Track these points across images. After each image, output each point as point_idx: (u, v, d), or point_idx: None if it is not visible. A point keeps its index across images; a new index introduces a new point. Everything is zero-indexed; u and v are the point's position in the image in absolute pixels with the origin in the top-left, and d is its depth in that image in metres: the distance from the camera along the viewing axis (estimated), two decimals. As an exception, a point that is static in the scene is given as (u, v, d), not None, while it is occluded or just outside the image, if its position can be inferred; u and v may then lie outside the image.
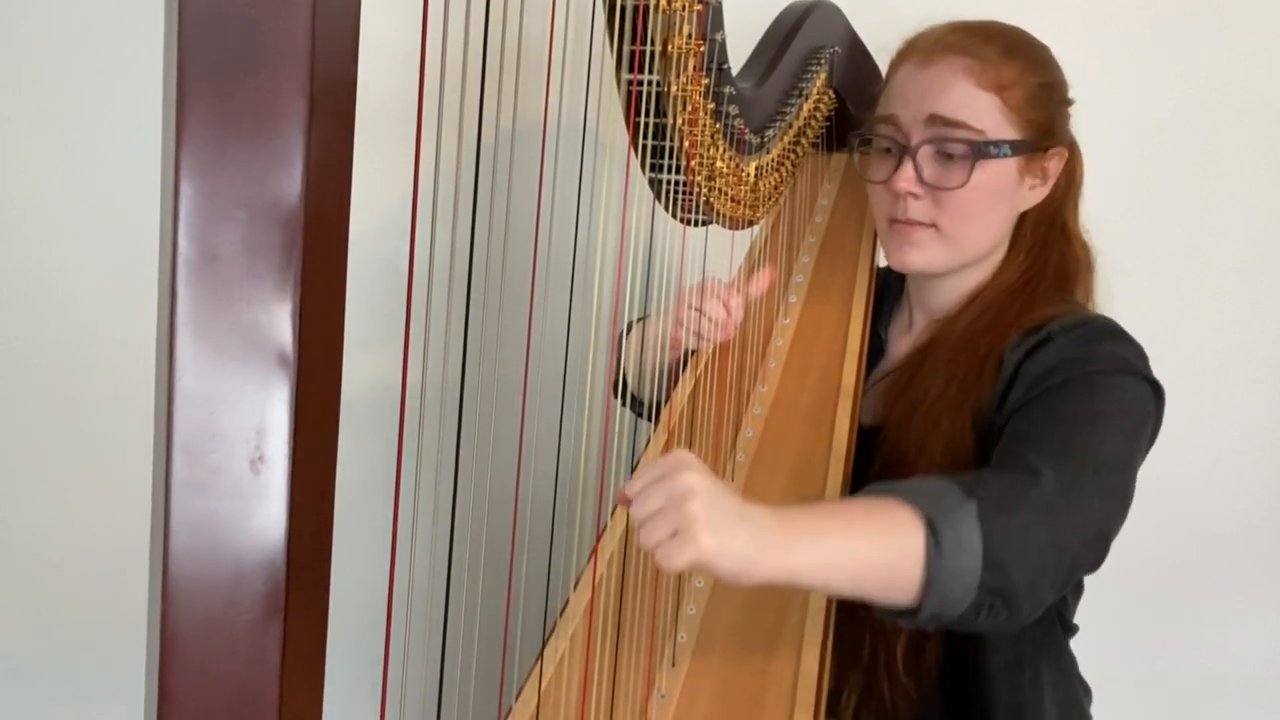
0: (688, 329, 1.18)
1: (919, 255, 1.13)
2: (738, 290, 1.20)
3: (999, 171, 1.09)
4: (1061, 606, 1.14)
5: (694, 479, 0.78)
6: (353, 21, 0.49)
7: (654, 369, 1.22)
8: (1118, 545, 1.07)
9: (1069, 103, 1.14)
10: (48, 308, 1.64)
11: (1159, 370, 1.06)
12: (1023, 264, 1.14)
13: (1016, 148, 1.08)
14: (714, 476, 0.80)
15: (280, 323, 0.48)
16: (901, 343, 1.24)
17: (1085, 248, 1.17)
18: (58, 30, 1.57)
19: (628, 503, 0.80)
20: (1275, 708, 1.78)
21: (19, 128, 1.60)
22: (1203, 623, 1.78)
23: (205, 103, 0.46)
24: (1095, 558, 0.94)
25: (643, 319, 1.23)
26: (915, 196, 1.10)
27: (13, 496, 1.68)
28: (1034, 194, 1.13)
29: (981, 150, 1.07)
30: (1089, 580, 1.14)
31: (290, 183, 0.47)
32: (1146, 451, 1.03)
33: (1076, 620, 1.17)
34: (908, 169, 1.09)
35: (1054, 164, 1.12)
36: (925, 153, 1.09)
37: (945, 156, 1.09)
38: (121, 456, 1.46)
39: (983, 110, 1.07)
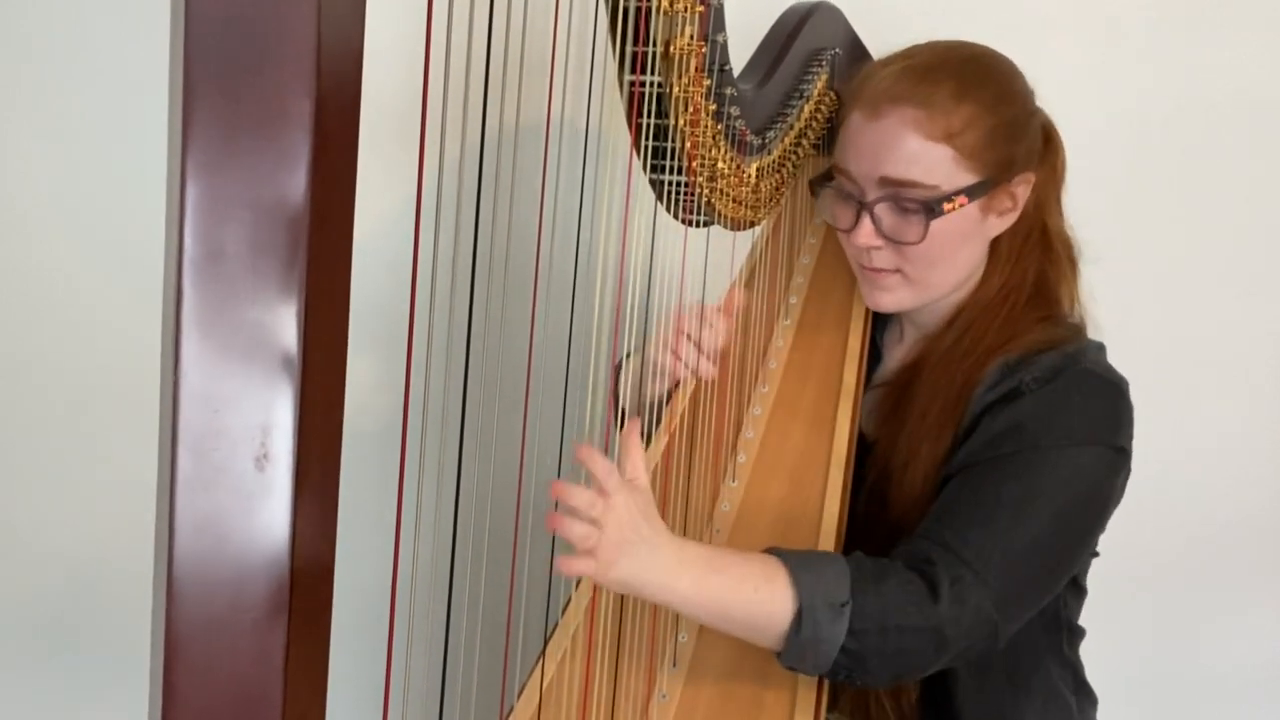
0: (685, 363, 1.17)
1: (889, 298, 1.14)
2: (710, 324, 1.17)
3: (958, 219, 1.07)
4: (1063, 610, 1.13)
5: (615, 509, 0.85)
6: (358, 22, 0.49)
7: (651, 399, 1.21)
8: (1118, 544, 1.08)
9: (1034, 115, 1.12)
10: (51, 306, 1.64)
11: (1159, 371, 1.06)
12: (1000, 279, 1.13)
13: (974, 192, 1.06)
14: (636, 498, 0.87)
15: (285, 322, 0.48)
16: (894, 353, 1.24)
17: (1067, 245, 1.15)
18: (60, 30, 1.58)
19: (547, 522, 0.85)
20: (1275, 708, 1.78)
21: (21, 127, 1.60)
22: (1203, 622, 1.78)
23: (211, 103, 0.46)
24: (982, 649, 0.96)
25: (633, 353, 1.22)
26: (876, 248, 1.10)
27: (15, 494, 1.68)
28: (1004, 220, 1.11)
29: (934, 208, 1.05)
30: (1089, 579, 1.15)
31: (295, 182, 0.47)
32: (1099, 520, 1.04)
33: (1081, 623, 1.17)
34: (865, 224, 1.09)
35: (1022, 189, 1.10)
36: (881, 209, 1.08)
37: (901, 210, 1.07)
38: (125, 454, 1.46)
39: (934, 164, 1.05)
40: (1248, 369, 1.71)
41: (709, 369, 1.16)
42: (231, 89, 0.46)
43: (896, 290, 1.13)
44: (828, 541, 1.06)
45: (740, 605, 0.91)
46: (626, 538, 0.86)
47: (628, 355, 1.23)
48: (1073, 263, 1.15)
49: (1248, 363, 1.71)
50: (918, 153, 1.05)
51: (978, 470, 1.02)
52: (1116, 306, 1.15)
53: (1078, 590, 1.14)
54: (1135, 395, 1.06)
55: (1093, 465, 1.01)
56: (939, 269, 1.10)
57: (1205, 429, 1.69)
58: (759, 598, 0.91)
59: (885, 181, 1.07)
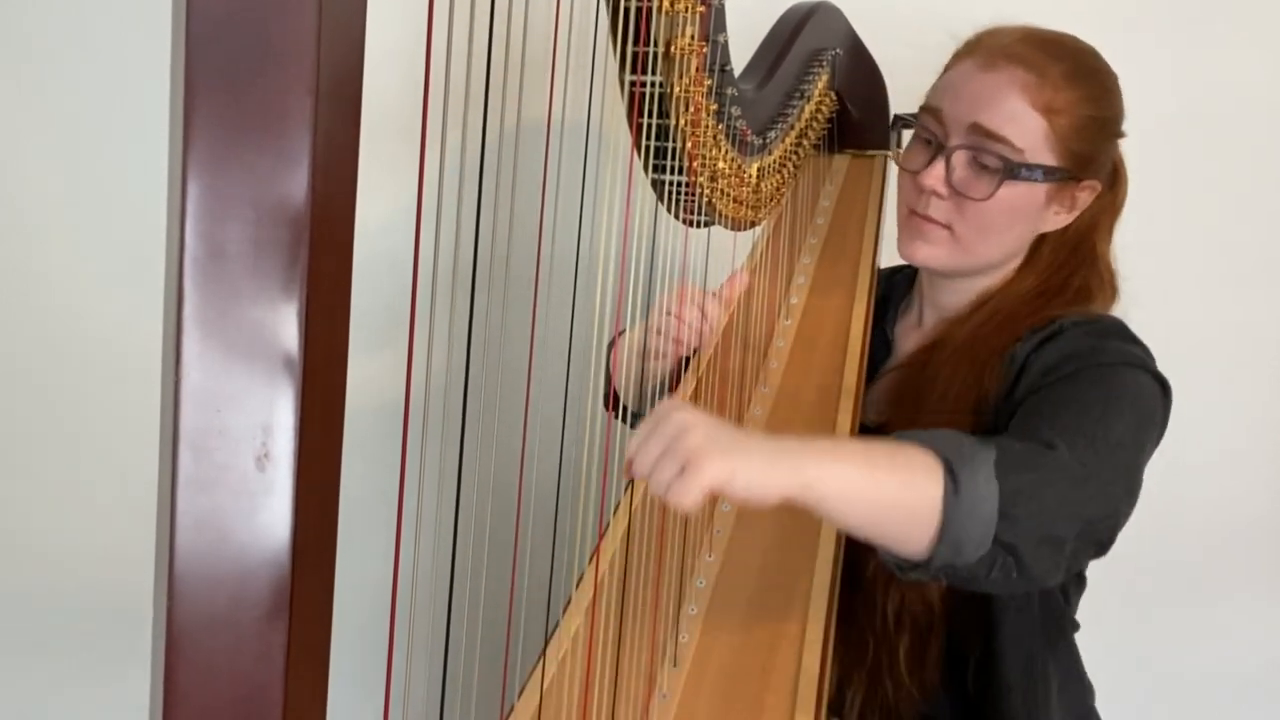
0: (665, 334, 1.16)
1: (927, 250, 1.13)
2: (716, 296, 1.19)
3: (1025, 193, 1.08)
4: (1064, 603, 1.14)
5: (686, 416, 0.78)
6: (359, 21, 0.49)
7: (653, 380, 1.21)
8: (1119, 544, 1.08)
9: (1120, 135, 1.13)
10: (53, 305, 1.65)
11: (1164, 372, 1.07)
12: (1038, 279, 1.13)
13: (1050, 174, 1.07)
14: (709, 415, 0.81)
15: (286, 320, 0.48)
16: (910, 339, 1.24)
17: (1111, 273, 1.16)
18: (61, 29, 1.58)
19: (632, 472, 0.80)
20: (1275, 708, 1.78)
21: (22, 127, 1.60)
22: (1203, 622, 1.78)
23: (213, 102, 0.47)
24: (1105, 536, 0.93)
25: (625, 330, 1.22)
26: (939, 195, 1.10)
27: (16, 493, 1.68)
28: (1057, 219, 1.12)
29: (1014, 170, 1.06)
30: (1090, 578, 1.15)
31: (297, 181, 0.47)
32: (1153, 449, 1.03)
33: (1077, 618, 1.18)
34: (938, 167, 1.09)
35: (1085, 195, 1.11)
36: (960, 157, 1.08)
37: (978, 165, 1.08)
38: (126, 453, 1.46)
39: (1027, 130, 1.06)
40: (1248, 369, 1.71)
41: (690, 336, 1.15)
42: (233, 88, 0.46)
43: (938, 245, 1.12)
44: (829, 541, 1.06)
45: (885, 470, 0.83)
46: (733, 436, 0.78)
47: (621, 333, 1.22)
48: (1114, 290, 1.16)
49: (1248, 363, 1.71)
50: (1017, 113, 1.06)
51: (1047, 389, 1.00)
52: (1121, 306, 1.15)
53: (1079, 581, 1.14)
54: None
55: (1149, 389, 1.02)
56: (987, 238, 1.10)
57: (1206, 429, 1.69)
58: (901, 458, 0.84)
59: (975, 129, 1.07)
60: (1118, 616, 1.61)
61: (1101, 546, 0.94)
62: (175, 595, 0.49)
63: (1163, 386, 1.04)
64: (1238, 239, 1.68)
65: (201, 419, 0.48)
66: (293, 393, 0.48)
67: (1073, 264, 1.14)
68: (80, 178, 1.62)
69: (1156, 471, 1.03)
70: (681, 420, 0.78)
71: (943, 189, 1.09)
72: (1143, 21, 1.63)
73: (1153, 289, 1.63)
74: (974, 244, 1.11)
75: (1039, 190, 1.08)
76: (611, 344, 1.24)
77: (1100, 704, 1.20)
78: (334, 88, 0.48)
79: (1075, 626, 1.18)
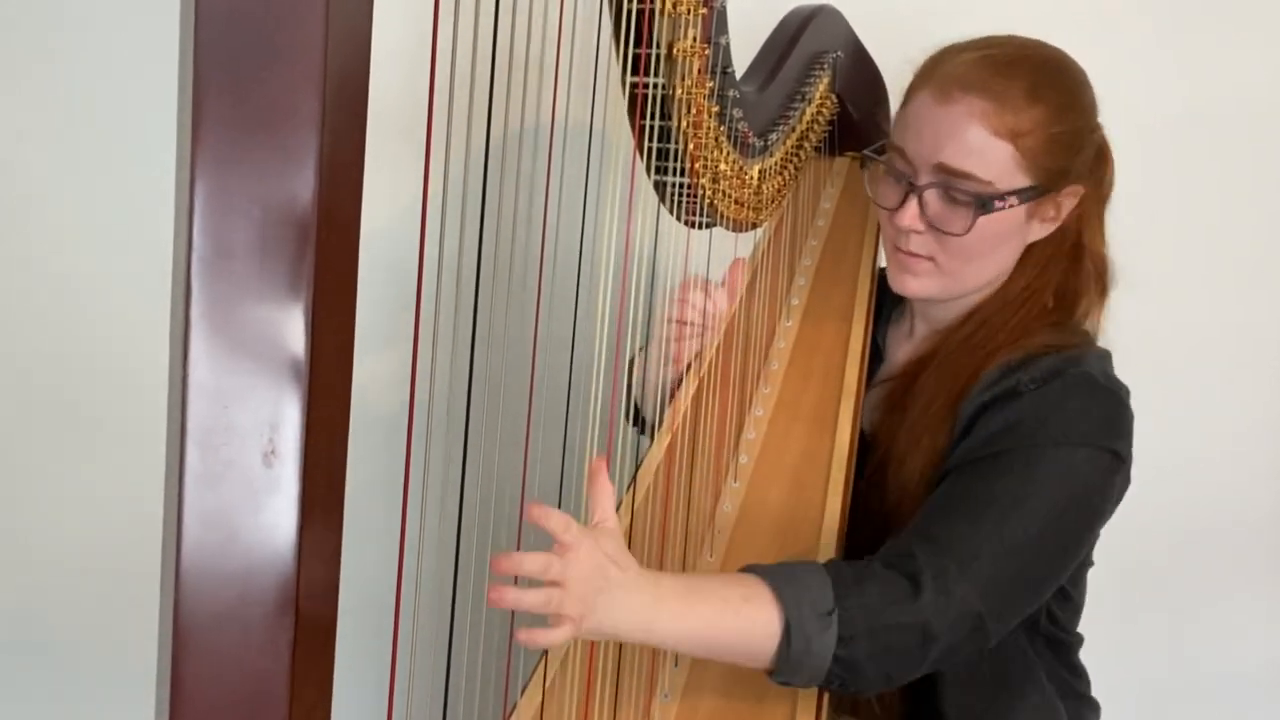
0: (668, 341, 1.17)
1: (916, 284, 1.12)
2: (721, 285, 1.19)
3: (1004, 218, 1.06)
4: (1051, 625, 1.13)
5: (572, 574, 0.81)
6: (366, 21, 0.50)
7: (658, 387, 1.21)
8: (1119, 544, 1.08)
9: (1094, 130, 1.11)
10: (61, 304, 1.65)
11: (1162, 372, 1.06)
12: (1023, 282, 1.12)
13: (1025, 196, 1.05)
14: (602, 542, 0.84)
15: (293, 318, 0.48)
16: (901, 350, 1.23)
17: (1101, 263, 1.14)
18: (68, 29, 1.58)
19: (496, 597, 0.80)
20: (1275, 708, 1.78)
21: (31, 125, 1.61)
22: (1203, 622, 1.78)
23: (220, 101, 0.47)
24: (971, 647, 0.96)
25: (642, 349, 1.22)
26: (917, 232, 1.08)
27: (26, 489, 1.69)
28: (1044, 228, 1.10)
29: (986, 204, 1.04)
30: (1091, 578, 1.15)
31: (303, 180, 0.47)
32: (1092, 524, 1.03)
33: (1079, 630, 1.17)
34: (911, 206, 1.08)
35: (1068, 201, 1.09)
36: (931, 194, 1.07)
37: (951, 199, 1.06)
38: (134, 450, 1.46)
39: (993, 160, 1.04)
40: (1248, 371, 1.71)
41: (721, 309, 1.16)
42: (240, 87, 0.47)
43: (925, 278, 1.11)
44: (829, 542, 1.06)
45: (726, 630, 0.89)
46: (596, 587, 0.82)
47: (639, 350, 1.23)
48: (1102, 284, 1.14)
49: (1248, 364, 1.71)
50: (980, 146, 1.04)
51: (970, 468, 1.01)
52: (1116, 308, 1.15)
53: (1065, 600, 1.13)
54: (1136, 396, 1.06)
55: (1087, 466, 1.00)
56: (973, 265, 1.10)
57: (1206, 431, 1.69)
58: (744, 619, 0.89)
59: (941, 169, 1.05)
60: (1118, 618, 1.61)
61: (972, 651, 0.97)
62: (182, 591, 0.49)
63: (1113, 457, 1.02)
64: (1238, 239, 1.69)
65: (209, 416, 0.48)
66: (299, 390, 0.49)
67: (1055, 262, 1.12)
68: (88, 177, 1.62)
69: (1157, 472, 1.04)
70: (565, 566, 0.81)
71: (919, 225, 1.08)
72: (1143, 21, 1.63)
73: (1152, 289, 1.64)
74: (960, 272, 1.10)
75: (1018, 212, 1.06)
76: (632, 360, 1.24)
77: (1101, 706, 1.20)
78: (340, 88, 0.48)
79: (1076, 642, 1.17)
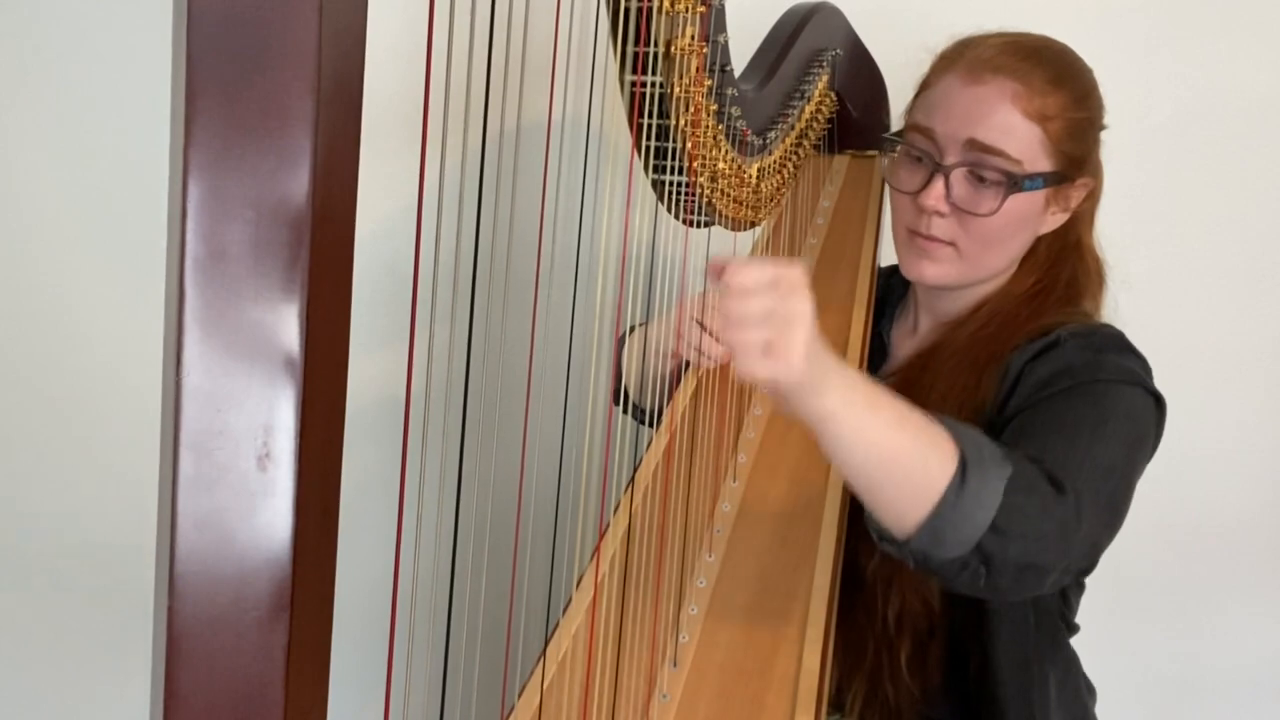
0: (689, 344, 1.16)
1: (935, 269, 1.13)
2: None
3: (1027, 201, 1.08)
4: (1064, 606, 1.14)
5: (807, 309, 0.79)
6: (360, 20, 0.49)
7: (654, 377, 1.21)
8: (1118, 544, 1.08)
9: (1104, 127, 1.14)
10: (53, 306, 1.65)
11: (1160, 371, 1.07)
12: (1033, 278, 1.14)
13: (1049, 180, 1.08)
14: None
15: (287, 321, 0.48)
16: (906, 345, 1.23)
17: (1097, 261, 1.16)
18: (62, 30, 1.58)
19: (719, 277, 0.78)
20: (1276, 708, 1.78)
21: (23, 126, 1.60)
22: (1203, 622, 1.78)
23: (213, 102, 0.47)
24: (1086, 566, 0.97)
25: (638, 326, 1.22)
26: (941, 214, 1.09)
27: (17, 493, 1.69)
28: (1055, 219, 1.12)
29: (1017, 182, 1.06)
30: (1091, 578, 1.15)
31: (298, 182, 0.47)
32: (1145, 465, 1.03)
33: (1077, 619, 1.18)
34: (938, 186, 1.08)
35: (1079, 193, 1.12)
36: (959, 174, 1.08)
37: (978, 180, 1.07)
38: (127, 454, 1.46)
39: (1024, 140, 1.06)
40: (1247, 369, 1.71)
41: (718, 350, 1.14)
42: (234, 88, 0.47)
43: (945, 263, 1.12)
44: (829, 541, 1.06)
45: (910, 441, 0.84)
46: (814, 340, 0.78)
47: (631, 329, 1.23)
48: (1101, 279, 1.16)
49: (1247, 363, 1.71)
50: (1013, 125, 1.05)
51: (1041, 405, 1.01)
52: (1114, 307, 1.15)
53: (1079, 584, 1.14)
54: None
55: (1143, 405, 1.02)
56: (992, 250, 1.10)
57: (1206, 430, 1.69)
58: (926, 435, 0.85)
59: (973, 145, 1.06)
60: (1117, 616, 1.62)
61: (1083, 573, 0.97)
62: (176, 595, 0.49)
63: (1156, 400, 1.04)
64: (1237, 238, 1.68)
65: (202, 419, 0.48)
66: (294, 393, 0.48)
67: (1063, 259, 1.14)
68: (81, 178, 1.62)
69: (1156, 472, 1.04)
70: (802, 310, 0.78)
71: (944, 207, 1.08)
72: (1143, 21, 1.63)
73: (1151, 288, 1.64)
74: (980, 257, 1.11)
75: (1039, 197, 1.08)
76: (621, 339, 1.24)
77: (1101, 703, 1.20)
78: (335, 88, 0.48)
79: (1075, 629, 1.18)
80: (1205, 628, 1.78)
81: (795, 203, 1.39)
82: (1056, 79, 1.07)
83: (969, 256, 1.11)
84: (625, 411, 1.27)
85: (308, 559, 0.50)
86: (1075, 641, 1.18)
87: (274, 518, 0.49)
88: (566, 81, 0.85)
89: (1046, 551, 0.88)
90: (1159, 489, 1.03)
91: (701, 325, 1.14)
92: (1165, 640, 1.79)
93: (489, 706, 0.93)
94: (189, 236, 0.47)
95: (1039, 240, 1.13)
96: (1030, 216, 1.10)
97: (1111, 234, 1.17)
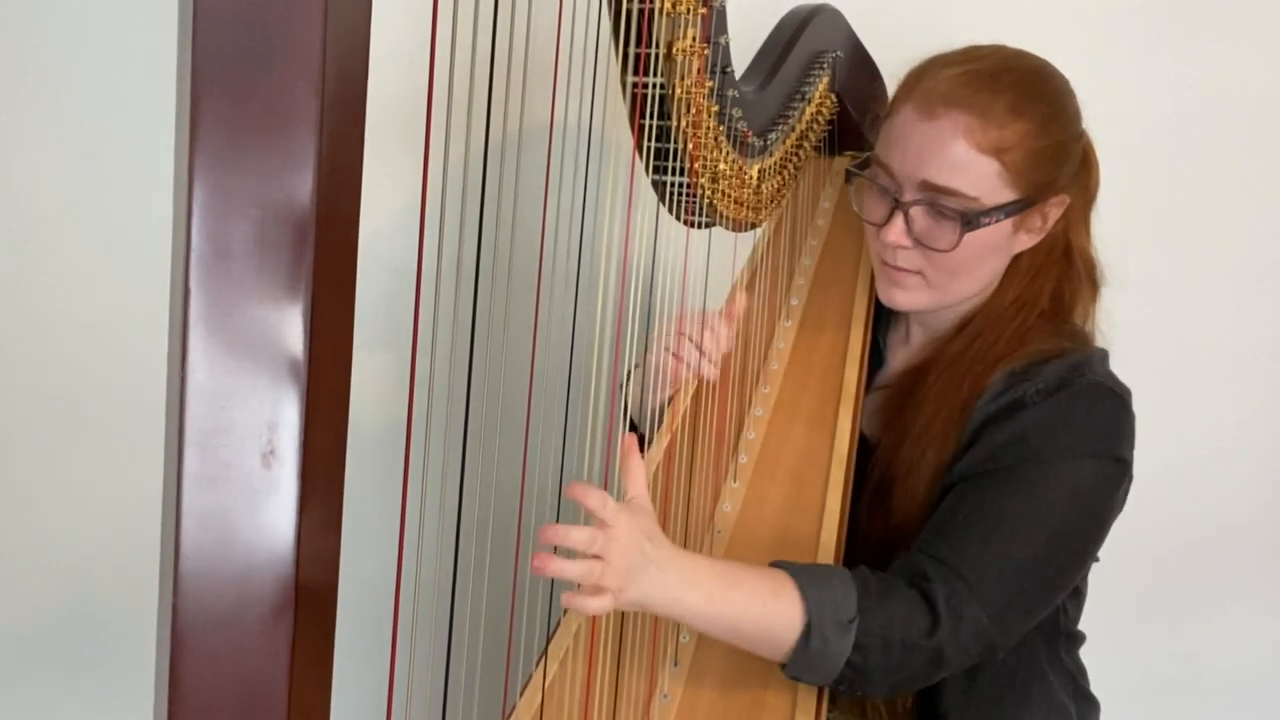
0: (662, 373, 1.17)
1: (904, 296, 1.13)
2: (723, 316, 1.17)
3: (990, 233, 1.06)
4: (1062, 617, 1.13)
5: (620, 550, 0.85)
6: (364, 22, 0.49)
7: (654, 408, 1.20)
8: (1118, 546, 1.08)
9: (1079, 139, 1.10)
10: (59, 305, 1.65)
11: (1161, 371, 1.06)
12: (1017, 290, 1.12)
13: (1011, 210, 1.05)
14: (638, 519, 0.87)
15: (291, 319, 0.48)
16: (899, 354, 1.23)
17: (1091, 266, 1.14)
18: (68, 30, 1.58)
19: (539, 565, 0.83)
20: (1276, 708, 1.79)
21: (29, 127, 1.61)
22: (1203, 622, 1.78)
23: (218, 102, 0.47)
24: (979, 660, 0.99)
25: (635, 367, 1.22)
26: (904, 247, 1.08)
27: (24, 490, 1.69)
28: (1030, 238, 1.10)
29: (972, 220, 1.04)
30: (1091, 577, 1.15)
31: (302, 181, 0.47)
32: (1099, 533, 1.04)
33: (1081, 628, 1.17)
34: (898, 223, 1.07)
35: (1054, 211, 1.09)
36: (917, 210, 1.07)
37: (937, 213, 1.06)
38: (132, 451, 1.46)
39: (979, 176, 1.03)
40: (1247, 369, 1.71)
41: (710, 370, 1.15)
42: (239, 89, 0.47)
43: (914, 291, 1.12)
44: (828, 542, 1.06)
45: (750, 619, 0.92)
46: (633, 563, 0.86)
47: (635, 368, 1.22)
48: (1093, 283, 1.14)
49: (1247, 363, 1.71)
50: (965, 162, 1.03)
51: (978, 483, 1.02)
52: (1114, 308, 1.15)
53: (1076, 596, 1.14)
54: (1135, 397, 1.06)
55: (1094, 478, 1.01)
56: (961, 278, 1.10)
57: (1205, 430, 1.69)
58: (768, 612, 0.92)
59: (926, 185, 1.05)
60: (1116, 617, 1.62)
61: (973, 662, 0.99)
62: (180, 592, 0.49)
63: (1117, 465, 1.02)
64: (1236, 239, 1.68)
65: (207, 417, 0.48)
66: (298, 391, 0.49)
67: (1047, 269, 1.12)
68: (87, 177, 1.62)
69: (1156, 471, 1.04)
70: (606, 542, 0.84)
71: (906, 241, 1.08)
72: (1143, 20, 1.63)
73: (1152, 288, 1.64)
74: (948, 285, 1.10)
75: (1004, 226, 1.06)
76: (629, 376, 1.24)
77: (1101, 706, 1.20)
78: (339, 88, 0.48)
79: (1079, 639, 1.17)
80: (1205, 628, 1.78)
81: (796, 204, 1.40)
82: (1016, 107, 1.03)
83: (937, 285, 1.10)
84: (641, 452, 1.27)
85: (311, 556, 0.50)
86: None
87: (278, 515, 0.49)
88: (568, 83, 0.85)
89: (916, 678, 0.97)
90: (1159, 489, 1.03)
91: (693, 341, 1.16)
92: (1165, 640, 1.79)
93: (491, 705, 0.93)
94: (194, 235, 0.48)
95: (1022, 254, 1.12)
96: (997, 245, 1.08)
97: (1112, 234, 1.17)
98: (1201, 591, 1.77)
